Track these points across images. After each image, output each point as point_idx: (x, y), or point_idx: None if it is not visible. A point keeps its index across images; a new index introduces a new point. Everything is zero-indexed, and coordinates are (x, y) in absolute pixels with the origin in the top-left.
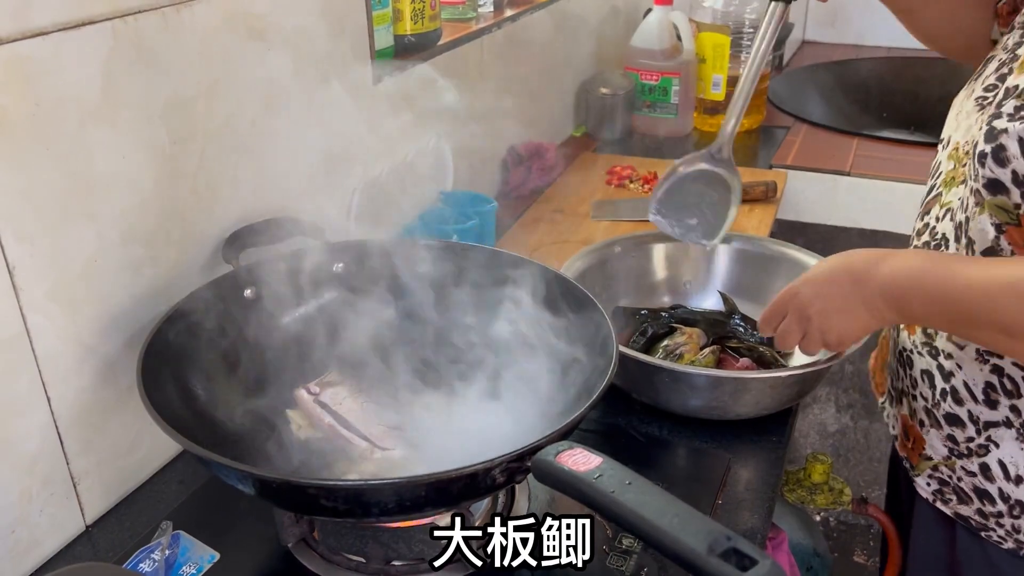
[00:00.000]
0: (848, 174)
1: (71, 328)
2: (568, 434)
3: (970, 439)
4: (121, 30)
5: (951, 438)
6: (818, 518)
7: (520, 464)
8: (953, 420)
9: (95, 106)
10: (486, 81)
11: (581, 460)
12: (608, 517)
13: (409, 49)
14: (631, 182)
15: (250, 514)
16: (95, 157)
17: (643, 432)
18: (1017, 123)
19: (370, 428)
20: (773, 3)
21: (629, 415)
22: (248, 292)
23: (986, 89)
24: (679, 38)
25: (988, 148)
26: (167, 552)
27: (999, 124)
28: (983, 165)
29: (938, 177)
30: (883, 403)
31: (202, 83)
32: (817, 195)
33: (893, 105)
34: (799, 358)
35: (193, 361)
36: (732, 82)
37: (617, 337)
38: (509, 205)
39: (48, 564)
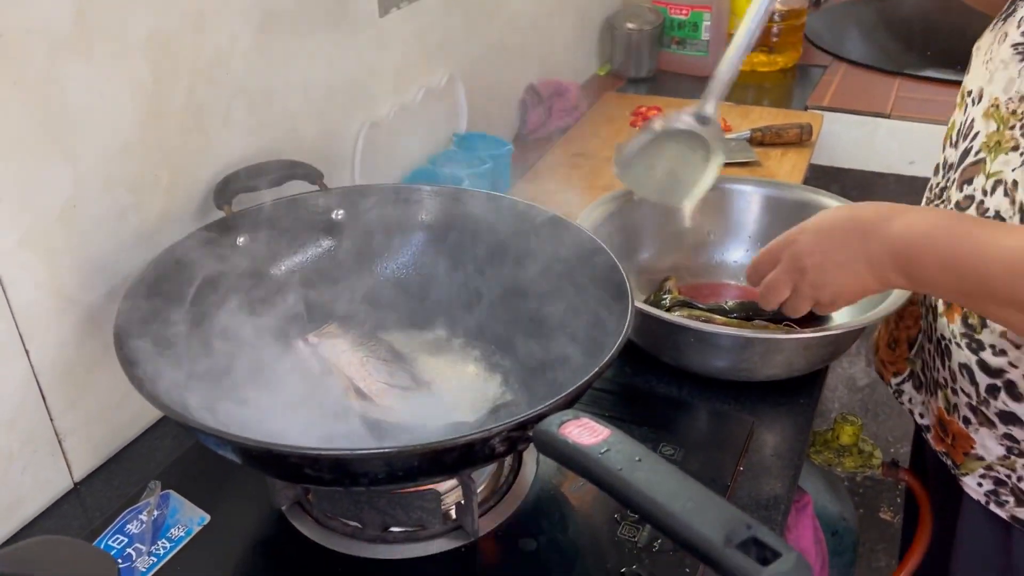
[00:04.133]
0: (888, 116)
1: (49, 278)
2: (574, 401)
3: None
4: None
5: (1009, 436)
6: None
7: (522, 433)
8: (1009, 418)
9: (66, 38)
10: (503, 14)
11: (587, 432)
12: (615, 496)
13: None
14: None
15: (242, 475)
16: (68, 94)
17: (661, 392)
18: None
19: (370, 384)
20: None
21: (647, 374)
22: (241, 240)
23: None
24: None
25: None
26: (155, 513)
27: None
28: None
29: (974, 139)
30: (899, 384)
31: (188, 14)
32: (855, 139)
33: (938, 42)
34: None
35: (180, 313)
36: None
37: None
38: (526, 148)
39: (35, 522)
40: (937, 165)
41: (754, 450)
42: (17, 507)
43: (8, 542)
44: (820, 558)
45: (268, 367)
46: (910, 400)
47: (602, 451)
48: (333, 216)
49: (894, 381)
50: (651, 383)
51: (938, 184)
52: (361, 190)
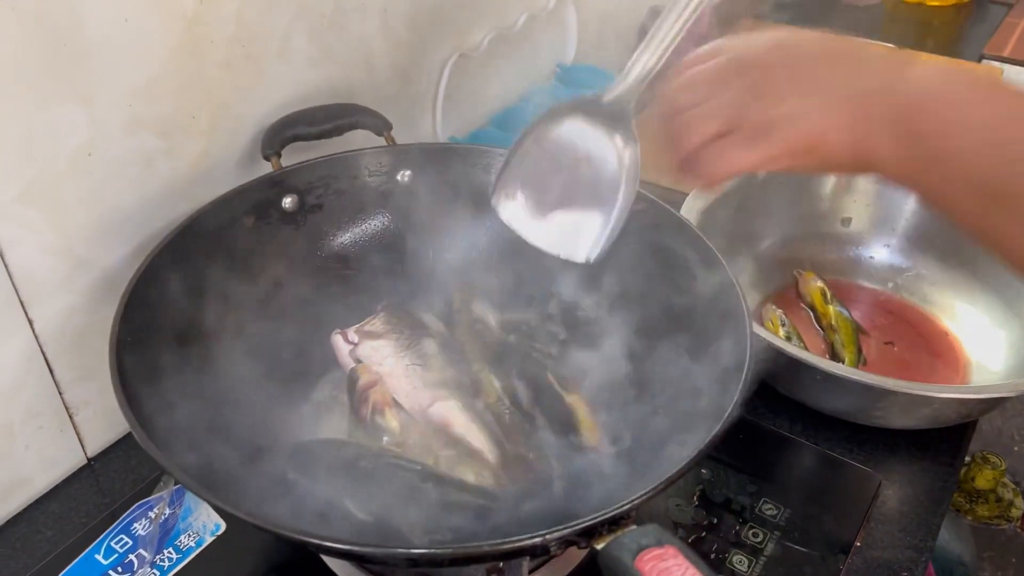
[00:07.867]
0: None
1: (56, 237)
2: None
3: None
4: None
5: None
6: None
7: (583, 540)
8: None
9: None
10: None
11: (672, 572)
12: None
13: None
14: None
15: None
16: (84, 19)
17: (768, 427)
18: None
19: (413, 400)
20: None
21: (753, 398)
22: (288, 202)
23: None
24: None
25: None
26: (166, 512)
27: None
28: None
29: None
30: None
31: None
32: None
33: None
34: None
35: (207, 289)
36: None
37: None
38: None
39: (42, 499)
40: None
41: (877, 518)
42: (21, 486)
43: (13, 520)
44: None
45: (301, 378)
46: None
47: None
48: (399, 178)
49: None
50: (757, 411)
51: None
52: (433, 150)
